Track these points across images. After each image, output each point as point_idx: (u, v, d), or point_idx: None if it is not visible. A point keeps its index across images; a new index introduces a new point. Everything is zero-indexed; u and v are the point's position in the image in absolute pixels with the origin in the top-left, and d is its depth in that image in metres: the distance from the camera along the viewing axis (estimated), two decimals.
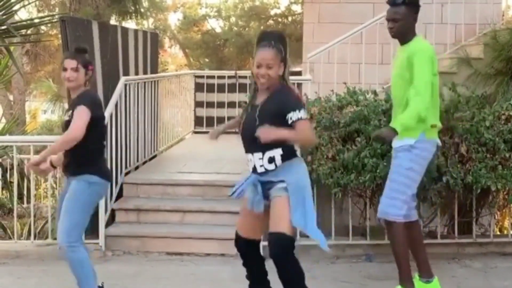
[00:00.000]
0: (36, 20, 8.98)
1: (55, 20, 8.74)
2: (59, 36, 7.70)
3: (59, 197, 4.24)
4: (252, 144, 3.49)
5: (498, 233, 6.45)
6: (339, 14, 8.51)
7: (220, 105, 9.87)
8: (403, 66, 4.01)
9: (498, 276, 4.76)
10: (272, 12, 19.98)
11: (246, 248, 3.71)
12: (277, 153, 3.46)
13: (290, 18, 19.31)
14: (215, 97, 9.98)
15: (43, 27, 15.00)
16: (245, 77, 10.14)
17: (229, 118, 9.60)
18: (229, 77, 10.27)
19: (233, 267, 4.85)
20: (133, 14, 10.90)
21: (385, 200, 4.10)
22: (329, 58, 7.09)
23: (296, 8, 19.27)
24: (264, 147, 3.43)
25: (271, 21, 19.44)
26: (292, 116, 3.37)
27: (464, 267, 4.98)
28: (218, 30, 21.82)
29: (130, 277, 4.83)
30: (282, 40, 3.50)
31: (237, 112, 8.58)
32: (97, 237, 5.53)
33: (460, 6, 7.43)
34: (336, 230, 5.34)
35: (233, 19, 21.34)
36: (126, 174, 6.33)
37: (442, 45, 7.44)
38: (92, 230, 5.74)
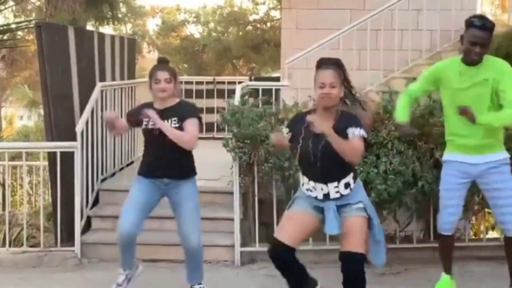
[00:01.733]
0: (13, 26, 8.88)
1: (32, 25, 8.68)
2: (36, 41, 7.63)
3: (137, 198, 4.26)
4: (324, 174, 3.52)
5: (474, 237, 6.51)
6: (316, 20, 8.55)
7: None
8: (489, 83, 3.99)
9: (473, 280, 4.80)
10: (251, 18, 20.02)
11: (286, 255, 3.61)
12: (350, 177, 3.57)
13: (268, 24, 19.37)
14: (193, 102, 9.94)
15: (19, 33, 14.85)
16: (223, 83, 10.17)
17: (207, 124, 9.61)
18: (207, 83, 10.28)
19: (209, 273, 4.84)
20: (110, 20, 10.85)
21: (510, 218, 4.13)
22: (307, 64, 7.10)
23: (275, 14, 19.35)
24: (339, 176, 3.54)
25: (250, 27, 19.48)
26: (354, 131, 3.48)
27: (440, 271, 5.01)
28: (197, 35, 21.81)
29: (106, 284, 4.77)
30: (340, 65, 3.66)
31: (215, 117, 8.55)
32: (73, 244, 5.48)
33: (435, 13, 7.52)
34: (313, 235, 5.34)
35: (212, 25, 21.34)
36: (103, 180, 6.28)
37: (418, 51, 7.52)
38: (68, 238, 5.70)
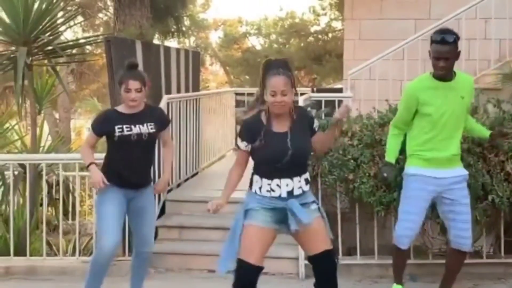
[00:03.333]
0: (82, 40, 9.21)
1: (100, 40, 8.95)
2: (104, 55, 7.88)
3: (115, 211, 4.11)
4: (292, 169, 3.51)
5: None
6: (380, 31, 8.46)
7: None
8: (465, 100, 4.09)
9: None
10: (312, 29, 20.03)
11: (254, 275, 3.54)
12: (307, 174, 3.62)
13: (330, 35, 19.31)
14: None
15: (87, 47, 15.36)
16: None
17: None
18: None
19: (274, 286, 4.84)
20: (175, 33, 11.07)
21: (470, 233, 4.22)
22: (370, 75, 7.04)
23: (337, 24, 19.28)
24: (301, 171, 3.56)
25: (311, 38, 19.48)
26: (316, 124, 3.63)
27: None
28: (259, 47, 21.99)
29: None
30: (289, 68, 3.52)
31: None
32: None
33: (504, 22, 7.31)
34: (379, 249, 5.27)
35: (273, 37, 21.48)
36: (169, 191, 6.39)
37: (486, 61, 7.32)
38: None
